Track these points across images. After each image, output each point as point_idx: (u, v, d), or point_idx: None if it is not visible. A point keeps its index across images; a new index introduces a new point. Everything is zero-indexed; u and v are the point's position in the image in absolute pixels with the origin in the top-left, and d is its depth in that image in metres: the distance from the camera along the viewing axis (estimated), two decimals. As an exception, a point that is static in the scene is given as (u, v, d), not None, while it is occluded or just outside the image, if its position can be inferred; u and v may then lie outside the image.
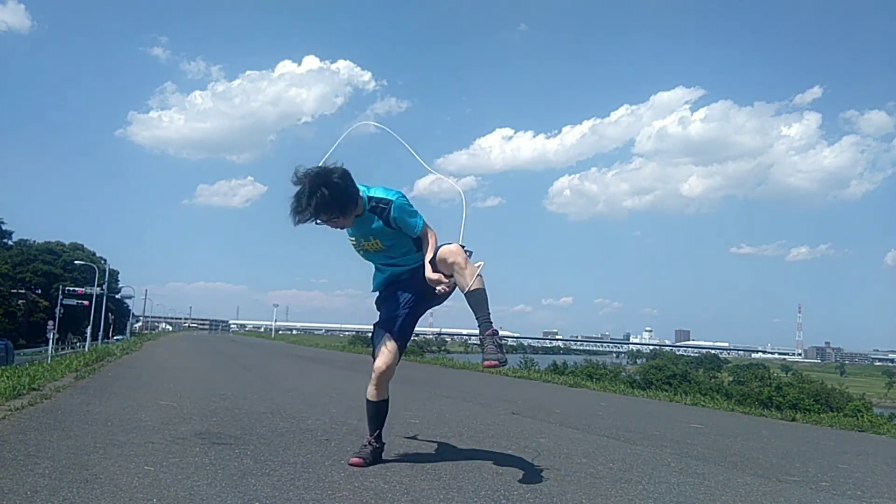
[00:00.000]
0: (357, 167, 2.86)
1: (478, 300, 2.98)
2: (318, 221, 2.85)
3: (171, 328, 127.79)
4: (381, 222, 3.00)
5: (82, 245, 75.93)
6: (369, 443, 3.12)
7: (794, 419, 6.55)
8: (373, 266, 3.28)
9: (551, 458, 3.53)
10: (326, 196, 2.74)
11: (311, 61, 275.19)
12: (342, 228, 3.00)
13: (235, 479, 2.68)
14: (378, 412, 3.14)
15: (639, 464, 3.51)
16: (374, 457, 3.11)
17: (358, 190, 2.91)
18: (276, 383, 7.91)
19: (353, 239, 3.12)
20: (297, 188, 2.79)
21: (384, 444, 3.19)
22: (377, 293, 3.30)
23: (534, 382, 10.42)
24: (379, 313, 3.24)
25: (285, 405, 5.35)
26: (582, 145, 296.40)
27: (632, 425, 5.26)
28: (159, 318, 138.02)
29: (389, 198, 2.98)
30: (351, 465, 3.02)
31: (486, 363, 2.92)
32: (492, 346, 2.92)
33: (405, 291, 3.17)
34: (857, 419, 6.97)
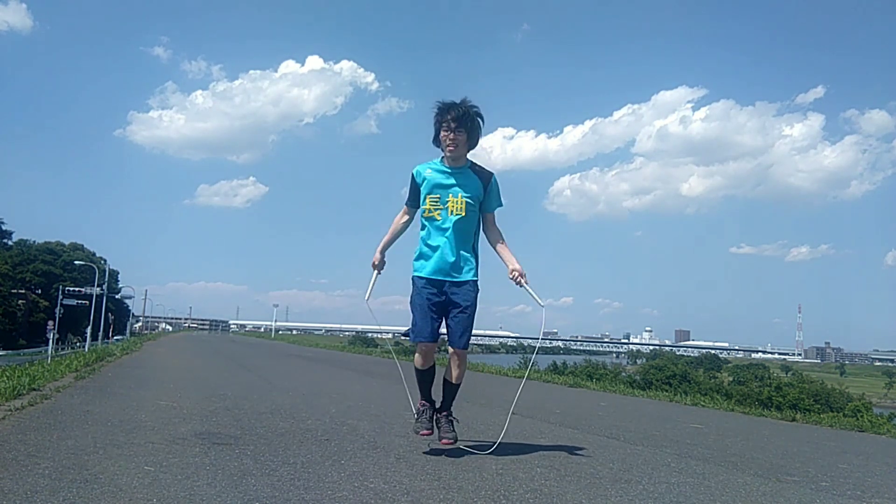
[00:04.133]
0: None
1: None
2: (456, 128, 3.28)
3: (171, 328, 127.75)
4: (480, 183, 3.40)
5: (82, 245, 76.03)
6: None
7: (794, 419, 6.55)
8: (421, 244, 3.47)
9: (551, 458, 3.53)
10: (478, 118, 3.35)
11: (314, 61, 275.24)
12: (450, 149, 3.32)
13: (235, 479, 2.68)
14: (423, 379, 3.54)
15: (639, 464, 3.51)
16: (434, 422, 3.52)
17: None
18: (276, 383, 7.91)
19: (437, 195, 3.38)
20: (461, 115, 3.28)
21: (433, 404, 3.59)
22: (420, 276, 3.43)
23: (534, 382, 10.42)
24: (426, 301, 3.39)
25: (285, 405, 5.35)
26: (583, 145, 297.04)
27: (632, 425, 5.26)
28: (159, 318, 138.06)
29: (490, 171, 3.44)
30: (423, 435, 3.46)
31: (444, 441, 3.45)
32: (447, 425, 3.49)
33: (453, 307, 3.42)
34: (857, 419, 6.97)
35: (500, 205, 3.55)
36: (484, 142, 3.52)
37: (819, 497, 2.98)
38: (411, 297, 3.49)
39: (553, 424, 5.04)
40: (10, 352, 46.57)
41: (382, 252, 3.66)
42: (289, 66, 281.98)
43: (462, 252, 3.41)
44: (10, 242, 71.24)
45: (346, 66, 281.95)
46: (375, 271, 3.68)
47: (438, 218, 3.38)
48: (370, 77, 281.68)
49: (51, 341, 34.94)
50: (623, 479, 3.09)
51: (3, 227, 70.35)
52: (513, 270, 3.43)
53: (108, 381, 7.27)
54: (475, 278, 3.44)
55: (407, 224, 3.63)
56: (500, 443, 3.63)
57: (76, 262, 61.23)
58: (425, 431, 3.48)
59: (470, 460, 3.32)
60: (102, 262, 67.51)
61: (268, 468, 2.90)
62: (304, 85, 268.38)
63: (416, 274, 3.47)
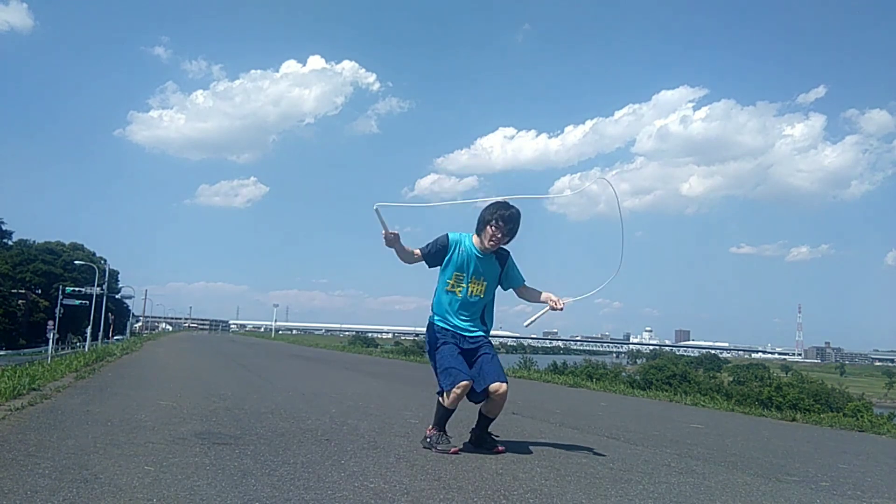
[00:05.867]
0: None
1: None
2: (505, 230, 3.56)
3: (171, 328, 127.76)
4: (497, 266, 3.68)
5: (82, 245, 75.96)
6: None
7: (794, 419, 6.55)
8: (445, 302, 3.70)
9: (551, 458, 3.53)
10: (517, 228, 3.64)
11: (315, 61, 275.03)
12: (491, 244, 3.58)
13: (235, 479, 2.68)
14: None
15: (639, 464, 3.51)
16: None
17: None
18: (276, 383, 7.91)
19: (462, 274, 3.63)
20: (511, 216, 3.57)
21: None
22: (444, 327, 3.66)
23: (534, 382, 10.43)
24: (451, 343, 3.60)
25: (285, 405, 5.35)
26: (584, 145, 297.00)
27: (632, 425, 5.26)
28: (159, 318, 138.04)
29: (506, 249, 3.71)
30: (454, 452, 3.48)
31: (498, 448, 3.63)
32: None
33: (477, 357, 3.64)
34: (857, 419, 6.97)
35: (523, 280, 3.81)
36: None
37: (819, 497, 2.98)
38: (433, 345, 3.63)
39: (553, 424, 5.04)
40: (10, 352, 46.59)
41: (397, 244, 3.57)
42: (290, 65, 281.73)
43: (474, 321, 3.69)
44: (10, 242, 71.14)
45: (347, 66, 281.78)
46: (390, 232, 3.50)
47: (458, 295, 3.66)
48: (371, 77, 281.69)
49: (51, 341, 34.92)
50: (623, 479, 3.09)
51: (3, 227, 70.29)
52: (548, 300, 3.72)
53: (108, 381, 7.27)
54: (488, 335, 3.76)
55: (413, 262, 3.69)
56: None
57: (76, 262, 61.17)
58: (455, 449, 3.52)
59: (470, 460, 3.32)
60: (102, 262, 67.44)
61: (268, 468, 2.90)
62: (304, 85, 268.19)
63: (439, 324, 3.66)
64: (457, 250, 3.64)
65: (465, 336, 3.63)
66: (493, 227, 3.56)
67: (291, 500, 2.41)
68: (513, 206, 3.62)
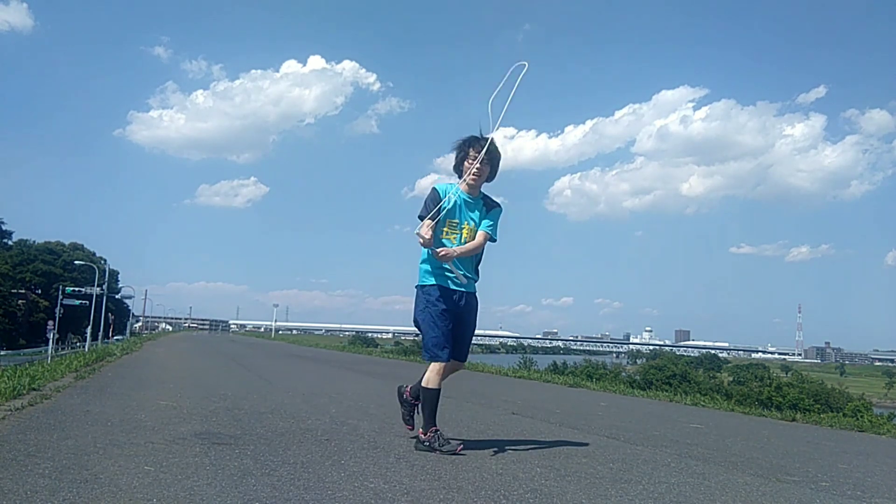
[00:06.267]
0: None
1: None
2: (483, 161, 3.56)
3: (171, 328, 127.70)
4: (483, 212, 3.68)
5: (82, 245, 75.95)
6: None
7: (794, 419, 6.54)
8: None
9: (551, 458, 3.53)
10: (498, 157, 3.70)
11: (316, 61, 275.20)
12: (474, 178, 3.59)
13: (235, 479, 2.68)
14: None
15: (639, 464, 3.51)
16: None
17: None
18: (276, 383, 7.91)
19: (455, 221, 3.62)
20: (486, 145, 3.57)
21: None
22: (435, 284, 3.60)
23: (534, 382, 10.42)
24: (443, 309, 3.56)
25: (285, 405, 5.35)
26: (584, 145, 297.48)
27: (632, 425, 5.26)
28: (159, 318, 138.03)
29: (499, 205, 3.76)
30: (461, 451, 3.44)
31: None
32: None
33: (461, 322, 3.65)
34: (857, 419, 6.96)
35: (493, 237, 3.70)
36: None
37: (819, 497, 2.98)
38: (422, 310, 3.58)
39: (553, 424, 5.04)
40: (10, 352, 46.58)
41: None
42: (290, 65, 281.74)
43: (468, 273, 3.66)
44: (10, 242, 71.09)
45: (347, 66, 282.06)
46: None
47: (454, 242, 3.62)
48: (372, 77, 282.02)
49: (51, 341, 34.94)
50: (623, 479, 3.09)
51: (3, 227, 70.24)
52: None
53: (108, 381, 7.27)
54: (476, 292, 3.74)
55: None
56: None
57: (76, 262, 61.15)
58: (461, 447, 3.46)
59: (470, 460, 3.32)
60: (102, 262, 67.42)
61: (268, 468, 2.90)
62: (305, 85, 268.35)
63: (430, 283, 3.60)
64: (449, 198, 3.61)
65: (460, 291, 3.59)
66: (469, 161, 3.59)
67: (291, 500, 2.41)
68: (488, 139, 3.61)
